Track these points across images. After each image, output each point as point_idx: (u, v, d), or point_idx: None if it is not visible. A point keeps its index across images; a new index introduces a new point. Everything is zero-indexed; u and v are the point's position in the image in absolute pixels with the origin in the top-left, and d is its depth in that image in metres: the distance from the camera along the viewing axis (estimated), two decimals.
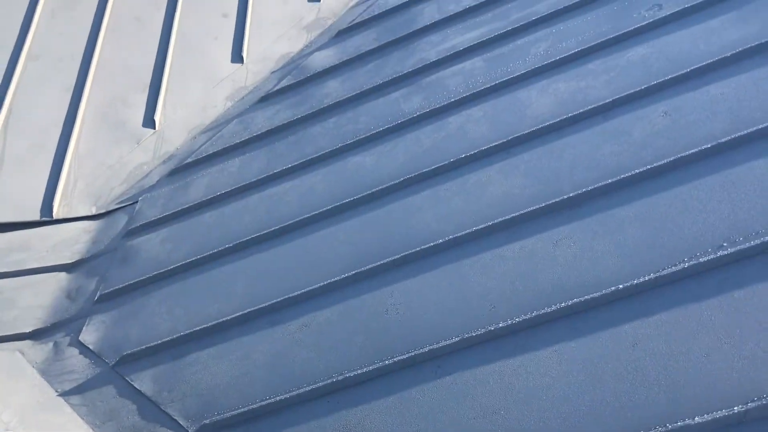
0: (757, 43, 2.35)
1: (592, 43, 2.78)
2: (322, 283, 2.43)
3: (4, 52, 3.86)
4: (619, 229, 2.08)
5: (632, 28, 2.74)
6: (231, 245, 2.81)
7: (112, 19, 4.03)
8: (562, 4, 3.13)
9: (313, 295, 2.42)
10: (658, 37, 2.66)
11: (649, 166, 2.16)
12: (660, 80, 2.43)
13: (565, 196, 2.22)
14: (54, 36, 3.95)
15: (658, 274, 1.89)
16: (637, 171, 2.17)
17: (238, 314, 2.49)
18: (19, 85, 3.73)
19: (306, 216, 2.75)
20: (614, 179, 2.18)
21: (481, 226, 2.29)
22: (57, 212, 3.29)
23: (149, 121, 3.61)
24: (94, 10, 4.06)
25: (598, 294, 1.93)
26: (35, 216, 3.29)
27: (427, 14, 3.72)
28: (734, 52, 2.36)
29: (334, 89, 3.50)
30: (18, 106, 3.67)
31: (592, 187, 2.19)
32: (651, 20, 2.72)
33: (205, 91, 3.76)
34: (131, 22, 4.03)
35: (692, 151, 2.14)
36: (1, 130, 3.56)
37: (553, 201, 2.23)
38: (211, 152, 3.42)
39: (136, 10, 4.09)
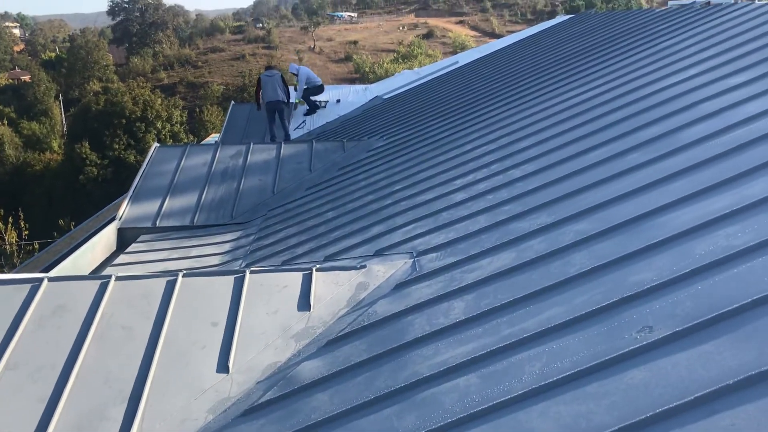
0: (757, 371, 2.34)
1: (588, 365, 2.76)
2: None
3: None
4: None
5: (626, 350, 2.75)
6: None
7: (99, 327, 4.02)
8: (552, 323, 3.19)
9: None
10: (654, 360, 2.66)
11: None
12: (665, 407, 2.36)
13: None
14: (37, 344, 3.89)
15: None
16: None
17: None
18: None
19: None
20: None
21: None
22: None
23: None
24: (83, 318, 4.06)
25: None
26: None
27: (418, 326, 3.75)
28: (736, 379, 2.34)
29: (323, 403, 3.37)
30: None
31: None
32: (644, 343, 2.75)
33: (187, 402, 3.61)
34: (119, 330, 4.02)
35: None
36: None
37: None
38: None
39: (125, 319, 4.10)
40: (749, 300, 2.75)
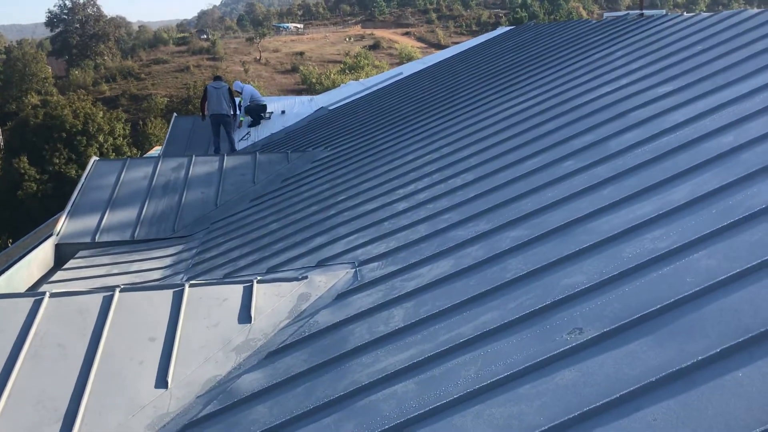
0: (677, 368, 2.44)
1: (521, 367, 2.83)
2: None
3: None
4: None
5: (557, 351, 2.83)
6: None
7: (32, 346, 3.92)
8: (488, 327, 3.26)
9: None
10: (582, 361, 2.74)
11: None
12: (592, 406, 2.44)
13: None
14: None
15: None
16: None
17: None
18: None
19: None
20: None
21: None
22: None
23: None
24: (15, 337, 3.96)
25: None
26: None
27: (358, 334, 3.78)
28: (659, 376, 2.44)
29: (263, 414, 3.36)
30: None
31: None
32: (574, 344, 2.83)
33: (125, 419, 3.54)
34: (53, 348, 3.93)
35: None
36: None
37: None
38: None
39: (60, 336, 4.01)
40: (672, 300, 2.86)
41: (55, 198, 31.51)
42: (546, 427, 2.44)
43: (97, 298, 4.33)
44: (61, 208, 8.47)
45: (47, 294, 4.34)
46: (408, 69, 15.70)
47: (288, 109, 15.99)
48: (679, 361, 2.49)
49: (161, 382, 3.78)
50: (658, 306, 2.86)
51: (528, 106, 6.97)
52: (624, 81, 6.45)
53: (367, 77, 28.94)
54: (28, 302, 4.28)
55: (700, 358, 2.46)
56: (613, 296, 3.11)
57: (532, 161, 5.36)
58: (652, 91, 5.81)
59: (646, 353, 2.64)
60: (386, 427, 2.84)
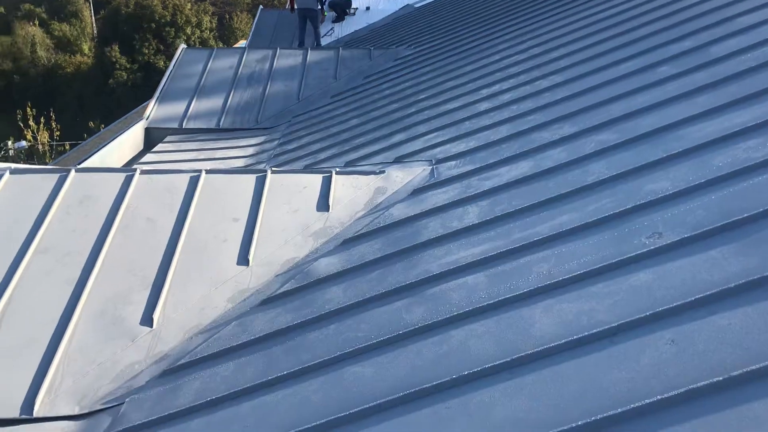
0: (759, 276, 2.38)
1: (595, 266, 2.82)
2: None
3: (14, 245, 3.93)
4: None
5: (634, 254, 2.79)
6: None
7: (124, 218, 4.16)
8: (564, 227, 3.23)
9: None
10: (659, 265, 2.70)
11: (659, 397, 2.08)
12: (664, 307, 2.42)
13: (574, 424, 2.11)
14: (65, 231, 4.05)
15: None
16: (647, 401, 2.08)
17: None
18: (22, 277, 3.74)
19: (298, 430, 2.61)
20: (624, 408, 2.09)
21: None
22: (38, 410, 3.14)
23: (147, 320, 3.57)
24: (108, 209, 4.20)
25: None
26: (14, 413, 3.13)
27: (432, 228, 3.83)
28: (738, 283, 2.38)
29: (337, 295, 3.50)
30: (17, 298, 3.65)
31: (602, 416, 2.09)
32: (652, 248, 2.79)
33: (208, 291, 3.76)
34: (143, 222, 4.15)
35: (703, 383, 2.07)
36: None
37: (562, 429, 2.12)
38: (205, 354, 3.34)
39: (149, 211, 4.23)
40: (761, 210, 2.75)
41: (144, 88, 32.44)
42: (615, 324, 2.45)
43: (185, 178, 4.51)
44: (150, 98, 8.73)
45: (138, 170, 4.55)
46: None
47: (373, 6, 15.67)
48: (761, 270, 2.42)
49: (243, 259, 3.96)
50: (745, 215, 2.76)
51: (624, 9, 6.59)
52: None
53: None
54: (120, 177, 4.51)
55: None
56: (698, 203, 3.02)
57: (625, 65, 5.12)
58: None
59: (727, 260, 2.57)
60: (455, 313, 2.91)
